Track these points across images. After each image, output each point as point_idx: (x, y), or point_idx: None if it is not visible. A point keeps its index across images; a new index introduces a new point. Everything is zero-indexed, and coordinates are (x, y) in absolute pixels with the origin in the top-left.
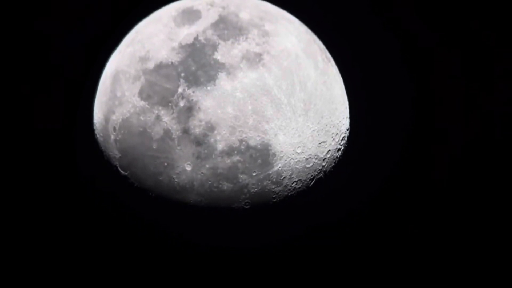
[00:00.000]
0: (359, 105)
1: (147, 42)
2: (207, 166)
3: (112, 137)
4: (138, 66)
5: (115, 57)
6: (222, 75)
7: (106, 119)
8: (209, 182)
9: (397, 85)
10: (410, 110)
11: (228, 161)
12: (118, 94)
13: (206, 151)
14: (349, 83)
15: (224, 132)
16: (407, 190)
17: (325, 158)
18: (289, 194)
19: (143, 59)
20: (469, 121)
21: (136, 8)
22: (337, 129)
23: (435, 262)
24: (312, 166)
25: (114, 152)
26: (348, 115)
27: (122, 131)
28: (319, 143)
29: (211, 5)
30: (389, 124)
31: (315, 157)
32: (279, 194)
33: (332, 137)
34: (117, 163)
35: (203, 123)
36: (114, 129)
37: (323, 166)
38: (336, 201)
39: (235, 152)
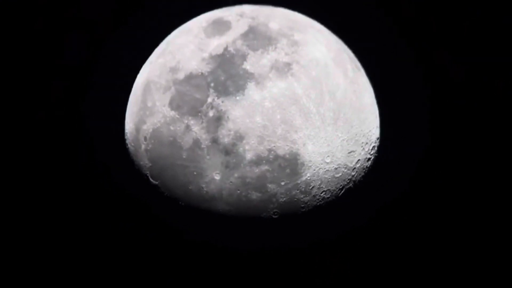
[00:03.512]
0: (390, 115)
1: (177, 52)
2: (236, 175)
3: (143, 146)
4: (169, 76)
5: (146, 68)
6: (251, 85)
7: (137, 129)
8: (238, 191)
9: (429, 95)
10: (442, 119)
11: (257, 170)
12: (149, 104)
13: (234, 160)
14: (379, 93)
15: (252, 141)
16: (437, 200)
17: (355, 168)
18: (318, 203)
19: (174, 70)
20: (501, 130)
21: (165, 19)
22: (367, 138)
23: (471, 271)
24: (341, 175)
25: (144, 162)
26: (378, 124)
27: (153, 141)
28: (349, 153)
29: (241, 16)
30: (420, 133)
31: (344, 166)
32: (308, 203)
33: (362, 146)
34: (147, 172)
35: (232, 132)
36: (145, 138)
37: (353, 176)
38: (366, 211)
39: (264, 161)
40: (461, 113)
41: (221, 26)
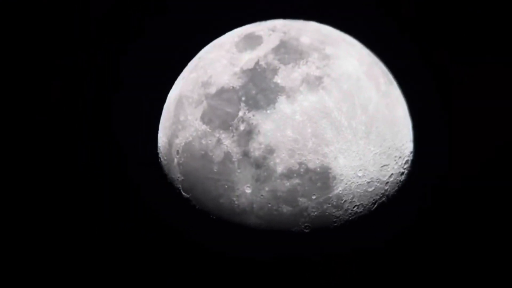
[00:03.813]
0: (424, 128)
1: (209, 67)
2: (267, 188)
3: (176, 160)
4: (201, 91)
5: (179, 83)
6: (281, 99)
7: (170, 143)
8: (269, 205)
9: (463, 109)
10: (476, 134)
11: (288, 184)
12: (181, 118)
13: (265, 173)
14: (413, 106)
15: (283, 155)
16: (472, 215)
17: (388, 182)
18: (350, 218)
19: (206, 84)
20: None
21: (198, 34)
22: (400, 152)
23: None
24: (374, 190)
25: (177, 175)
26: (412, 138)
27: (185, 154)
28: (381, 167)
29: (273, 30)
30: (455, 147)
31: (377, 180)
32: (340, 218)
33: (395, 160)
34: (179, 185)
35: (262, 146)
36: (177, 152)
37: (386, 190)
38: (399, 225)
39: (295, 175)
40: (497, 126)
41: (252, 41)
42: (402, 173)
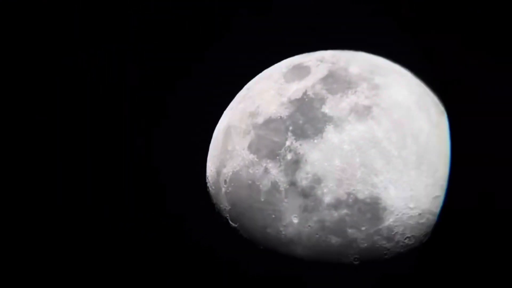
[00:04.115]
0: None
1: (257, 98)
2: (314, 219)
3: (223, 189)
4: (249, 121)
5: (227, 113)
6: (329, 128)
7: (218, 172)
8: (317, 236)
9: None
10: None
11: (336, 214)
12: (229, 148)
13: (313, 203)
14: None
15: (331, 184)
16: None
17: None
18: (402, 250)
19: (253, 114)
20: None
21: (246, 66)
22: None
23: None
24: (425, 221)
25: (224, 204)
26: None
27: (232, 184)
28: (433, 198)
29: (321, 61)
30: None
31: (429, 212)
32: (391, 250)
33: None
34: (227, 215)
35: (310, 175)
36: (225, 181)
37: (438, 222)
38: (451, 258)
39: (343, 205)
40: None
41: (300, 71)
42: None
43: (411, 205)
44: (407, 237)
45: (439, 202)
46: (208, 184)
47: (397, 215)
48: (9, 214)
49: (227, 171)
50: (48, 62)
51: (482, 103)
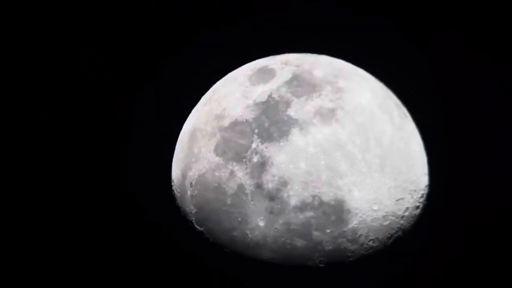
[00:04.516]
0: (439, 162)
1: (223, 100)
2: (280, 221)
3: (189, 192)
4: (214, 123)
5: (193, 115)
6: (295, 131)
7: (184, 175)
8: (283, 238)
9: (479, 141)
10: (494, 166)
11: (301, 216)
12: (195, 151)
13: (279, 206)
14: (428, 140)
15: (297, 187)
16: (491, 251)
17: (403, 216)
18: (366, 252)
19: (219, 117)
20: None
21: (210, 68)
22: (415, 185)
23: None
24: (389, 223)
25: (190, 208)
26: (427, 171)
27: (198, 187)
28: (397, 200)
29: (286, 64)
30: (472, 180)
31: (393, 214)
32: (355, 252)
33: (410, 194)
34: (193, 218)
35: (276, 178)
36: (191, 184)
37: (401, 224)
38: (416, 261)
39: (308, 207)
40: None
41: (265, 74)
42: (418, 207)
43: (375, 207)
44: (371, 239)
45: (402, 205)
46: (174, 187)
47: (361, 217)
48: (9, 214)
49: (193, 174)
50: (48, 62)
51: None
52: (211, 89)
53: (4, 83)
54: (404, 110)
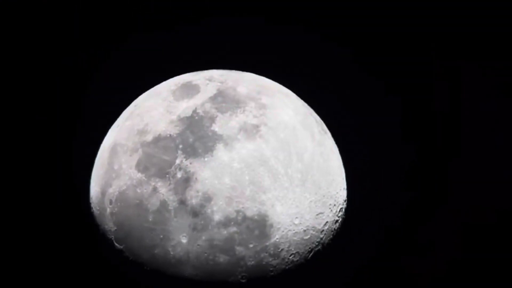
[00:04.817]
0: (356, 177)
1: (146, 115)
2: (203, 237)
3: (108, 210)
4: (136, 139)
5: (113, 131)
6: (219, 146)
7: (103, 192)
8: (205, 254)
9: (395, 156)
10: (409, 182)
11: (225, 232)
12: (115, 167)
13: (202, 222)
14: (345, 155)
15: (221, 202)
16: (406, 263)
17: (323, 230)
18: (287, 267)
19: (142, 132)
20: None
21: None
22: (335, 200)
23: None
24: (310, 238)
25: (109, 225)
26: (345, 186)
27: (119, 204)
28: (317, 214)
29: (210, 80)
30: (387, 195)
31: (313, 228)
32: (277, 267)
33: (330, 208)
34: (112, 236)
35: (200, 193)
36: (111, 202)
37: (321, 238)
38: (335, 274)
39: (232, 223)
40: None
41: (190, 90)
42: (337, 221)
43: (296, 222)
44: (292, 253)
45: (322, 219)
46: (92, 205)
47: (283, 231)
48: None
49: (113, 190)
50: (48, 62)
51: None
52: (133, 103)
53: (4, 83)
54: (324, 126)
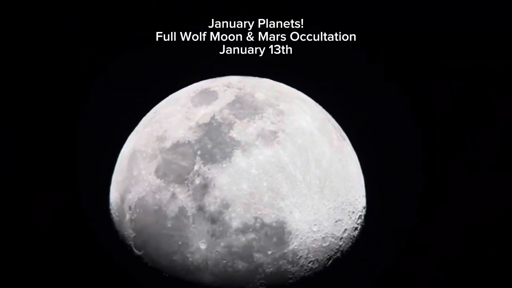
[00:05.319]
0: (375, 184)
1: (164, 122)
2: (222, 244)
3: (128, 216)
4: (155, 145)
5: (133, 137)
6: (237, 152)
7: (122, 199)
8: (224, 261)
9: (413, 163)
10: (428, 188)
11: (243, 239)
12: (135, 173)
13: (221, 228)
14: (365, 162)
15: (239, 209)
16: (425, 270)
17: (342, 237)
18: (306, 274)
19: (160, 139)
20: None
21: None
22: (354, 207)
23: None
24: (328, 245)
25: (129, 232)
26: (364, 193)
27: (138, 210)
28: (336, 221)
29: (228, 86)
30: (406, 202)
31: (332, 235)
32: (295, 274)
33: (349, 215)
34: (131, 242)
35: (218, 200)
36: (130, 208)
37: (340, 246)
38: (354, 282)
39: (250, 229)
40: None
41: (208, 96)
42: (356, 228)
43: (315, 229)
44: (311, 260)
45: (341, 226)
46: (112, 211)
47: (301, 238)
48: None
49: (132, 197)
50: (48, 62)
51: None
52: (152, 110)
53: (4, 83)
54: (342, 133)
